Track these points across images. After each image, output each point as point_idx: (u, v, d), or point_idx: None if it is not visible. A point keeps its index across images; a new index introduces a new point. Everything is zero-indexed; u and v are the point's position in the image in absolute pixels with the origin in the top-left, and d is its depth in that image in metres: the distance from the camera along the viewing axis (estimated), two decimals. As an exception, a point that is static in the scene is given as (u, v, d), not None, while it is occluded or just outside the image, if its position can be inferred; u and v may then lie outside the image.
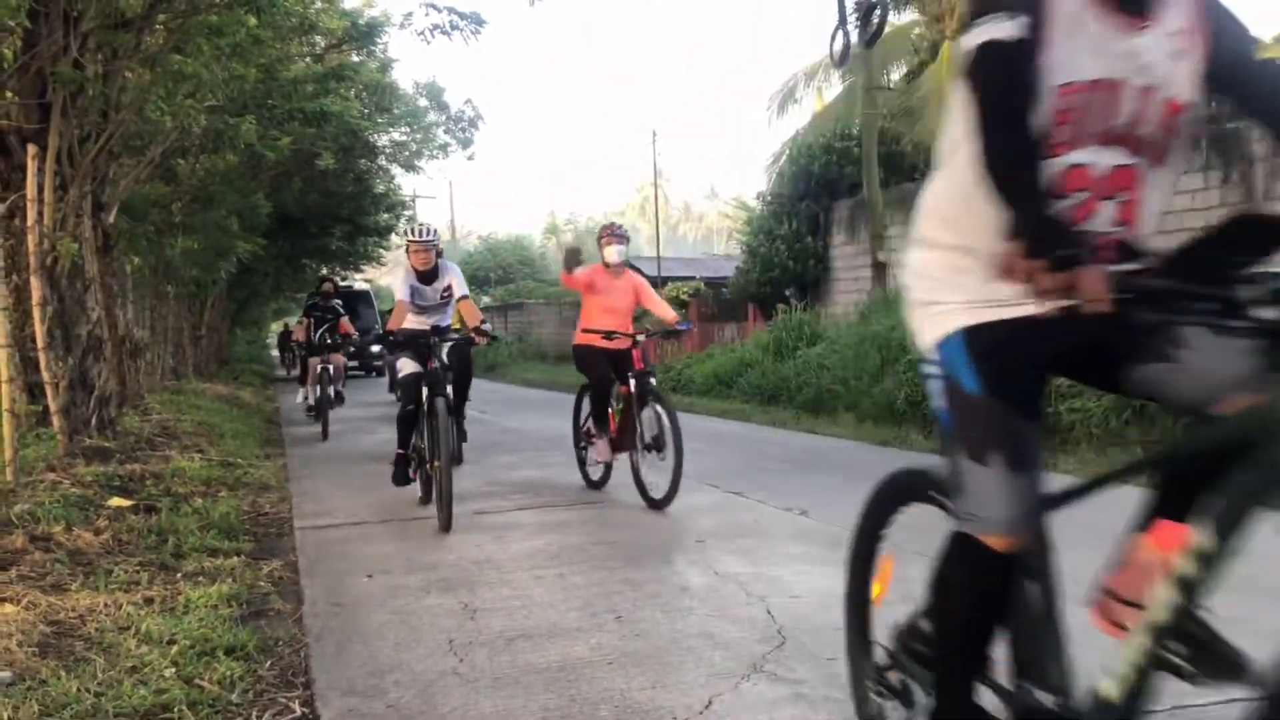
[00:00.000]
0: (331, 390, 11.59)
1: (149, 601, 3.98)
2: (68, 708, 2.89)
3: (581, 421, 7.08)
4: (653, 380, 6.48)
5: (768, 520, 5.77)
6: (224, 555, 4.88)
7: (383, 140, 17.44)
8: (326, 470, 8.56)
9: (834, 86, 22.35)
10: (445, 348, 6.54)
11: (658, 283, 33.05)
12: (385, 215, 23.39)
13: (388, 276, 64.30)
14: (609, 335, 6.61)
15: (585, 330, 6.81)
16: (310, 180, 16.73)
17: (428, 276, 6.94)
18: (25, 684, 3.04)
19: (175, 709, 2.93)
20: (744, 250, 20.06)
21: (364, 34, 13.68)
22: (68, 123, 6.95)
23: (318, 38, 13.42)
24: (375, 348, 23.08)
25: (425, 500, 6.38)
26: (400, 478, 6.66)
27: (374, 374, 25.72)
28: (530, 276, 48.58)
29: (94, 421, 7.36)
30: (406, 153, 18.21)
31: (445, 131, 17.33)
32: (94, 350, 7.39)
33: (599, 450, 6.84)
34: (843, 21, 14.53)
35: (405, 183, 24.55)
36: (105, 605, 3.86)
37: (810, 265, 18.10)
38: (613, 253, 6.82)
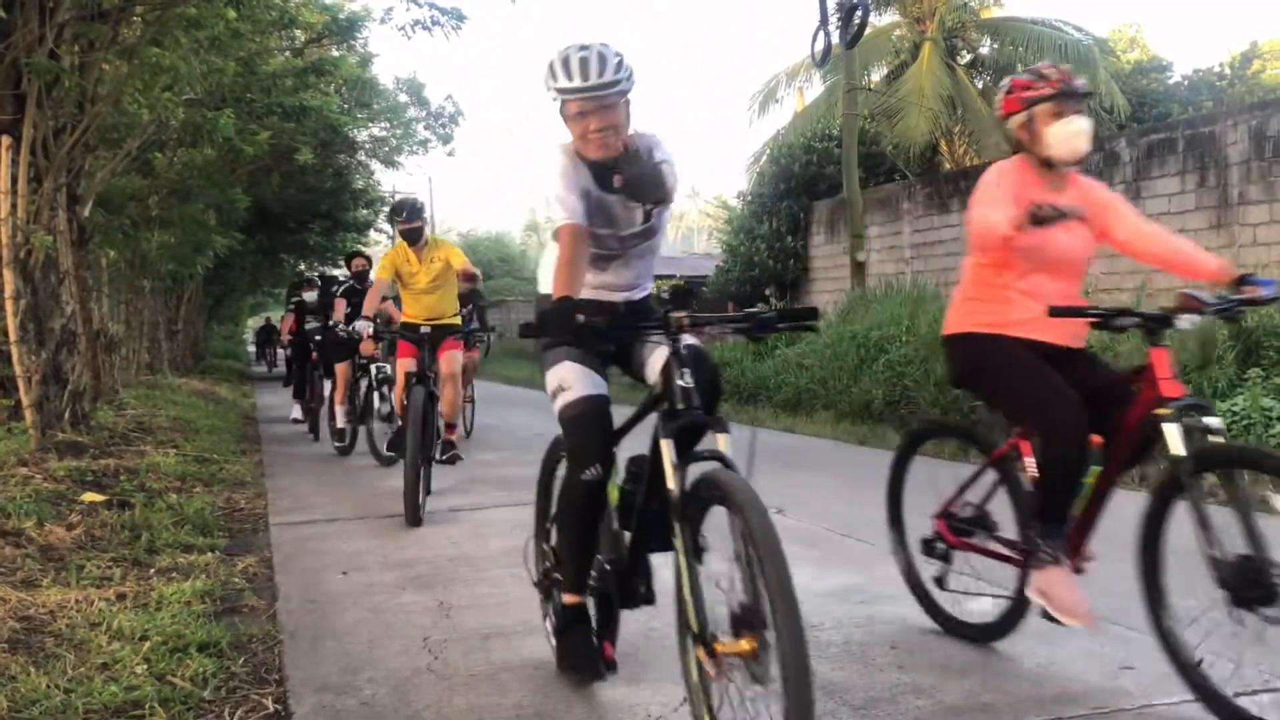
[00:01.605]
0: (389, 407, 7.90)
1: (121, 598, 3.95)
2: (37, 704, 2.87)
3: (943, 510, 3.51)
4: (1216, 419, 2.78)
5: (744, 518, 5.78)
6: (198, 551, 4.85)
7: (362, 136, 17.37)
8: (302, 467, 8.51)
9: (815, 87, 22.45)
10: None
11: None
12: (364, 211, 23.29)
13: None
14: (1081, 314, 2.99)
15: (968, 302, 3.27)
16: (289, 175, 16.63)
17: (611, 174, 2.86)
18: (-6, 680, 3.01)
19: (146, 706, 2.91)
20: (724, 249, 20.10)
21: (344, 29, 13.64)
22: (43, 114, 6.89)
23: (297, 32, 13.35)
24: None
25: None
26: (586, 660, 3.06)
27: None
28: (510, 274, 48.48)
29: (67, 416, 7.30)
30: (386, 148, 18.13)
31: (425, 127, 17.28)
32: (68, 344, 7.33)
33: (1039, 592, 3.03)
34: (824, 22, 14.59)
35: (385, 178, 24.45)
36: (76, 601, 3.83)
37: (790, 264, 18.18)
38: (1072, 136, 3.03)
